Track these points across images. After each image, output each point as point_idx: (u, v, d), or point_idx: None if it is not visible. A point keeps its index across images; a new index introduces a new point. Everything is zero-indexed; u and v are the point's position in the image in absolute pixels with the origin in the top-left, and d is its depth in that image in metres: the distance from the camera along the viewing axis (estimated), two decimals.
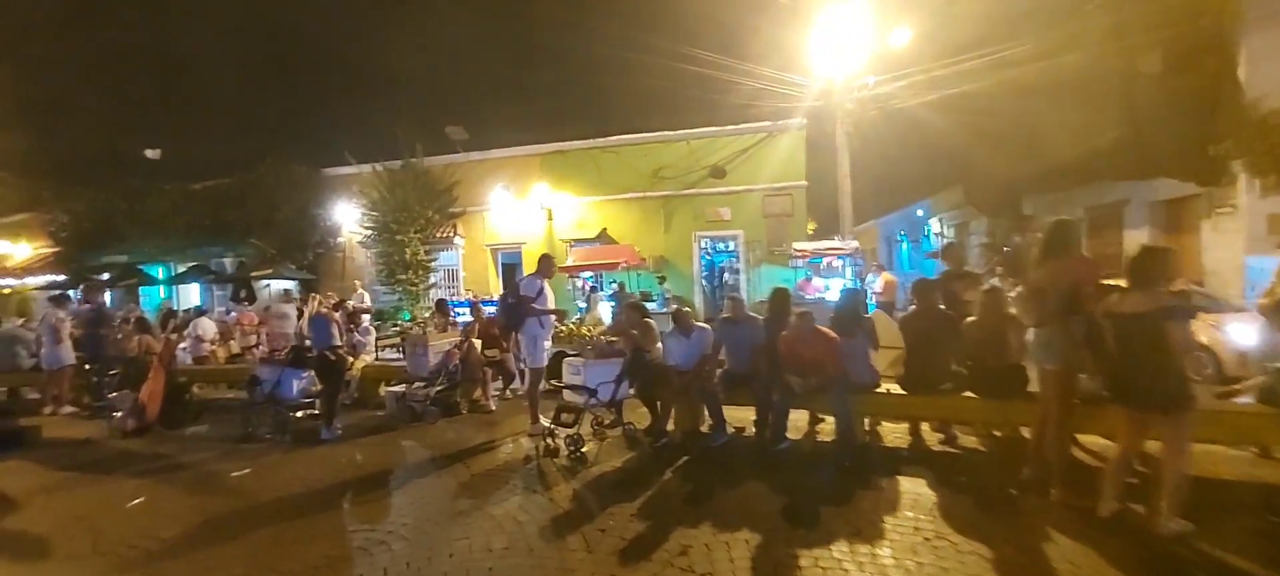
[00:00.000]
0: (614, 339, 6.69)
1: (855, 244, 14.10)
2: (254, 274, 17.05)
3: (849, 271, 15.01)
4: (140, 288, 20.50)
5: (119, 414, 7.36)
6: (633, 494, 4.79)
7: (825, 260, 15.06)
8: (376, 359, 9.58)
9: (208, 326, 11.00)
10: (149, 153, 19.40)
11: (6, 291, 19.46)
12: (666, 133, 15.83)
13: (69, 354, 8.92)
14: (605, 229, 16.08)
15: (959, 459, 5.56)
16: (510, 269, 18.00)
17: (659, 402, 6.37)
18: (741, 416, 6.43)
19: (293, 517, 4.56)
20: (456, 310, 12.87)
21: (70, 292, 12.86)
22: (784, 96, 14.35)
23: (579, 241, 16.27)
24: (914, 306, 6.01)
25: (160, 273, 20.34)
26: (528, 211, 16.85)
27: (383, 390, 8.71)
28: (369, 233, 17.04)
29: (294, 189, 17.91)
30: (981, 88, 14.05)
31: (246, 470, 5.73)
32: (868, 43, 13.44)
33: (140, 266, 19.88)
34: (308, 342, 6.94)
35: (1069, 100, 13.75)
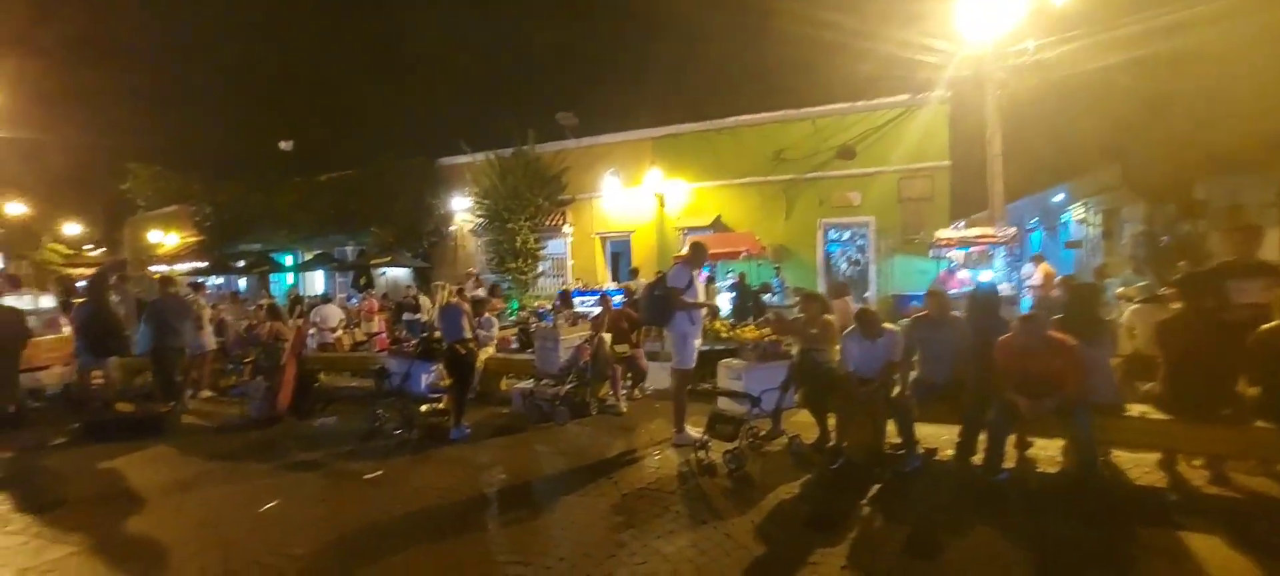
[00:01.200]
0: (779, 338, 5.75)
1: (1013, 231, 12.35)
2: (373, 261, 17.43)
3: (1000, 263, 13.25)
4: (271, 275, 21.73)
5: (252, 401, 7.24)
6: (831, 535, 3.84)
7: (974, 249, 13.36)
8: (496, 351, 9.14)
9: (333, 313, 11.05)
10: (283, 145, 20.36)
11: (157, 276, 21.10)
12: (789, 111, 14.61)
13: (209, 339, 9.06)
14: (720, 216, 15.12)
15: (1250, 507, 4.22)
16: (617, 257, 17.45)
17: (831, 415, 5.40)
18: (930, 435, 5.33)
19: (431, 538, 3.97)
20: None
21: (204, 280, 13.34)
22: (924, 65, 12.76)
23: (692, 229, 15.38)
24: (1178, 306, 4.68)
25: (289, 260, 21.45)
26: (638, 198, 16.17)
27: (506, 385, 8.24)
28: (480, 221, 16.98)
29: (410, 179, 18.18)
30: (1158, 51, 11.90)
31: (378, 472, 5.28)
32: (1023, 2, 11.64)
33: (272, 254, 21.03)
34: (437, 334, 6.48)
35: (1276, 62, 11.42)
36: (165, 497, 4.89)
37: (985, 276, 11.86)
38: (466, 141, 17.06)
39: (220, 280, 23.59)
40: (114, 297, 9.96)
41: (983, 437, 4.69)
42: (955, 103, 13.52)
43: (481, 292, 11.80)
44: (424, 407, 6.73)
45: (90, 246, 32.27)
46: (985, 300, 5.00)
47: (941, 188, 13.82)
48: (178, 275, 21.22)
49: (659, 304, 5.58)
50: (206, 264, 21.30)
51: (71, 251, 30.81)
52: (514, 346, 8.81)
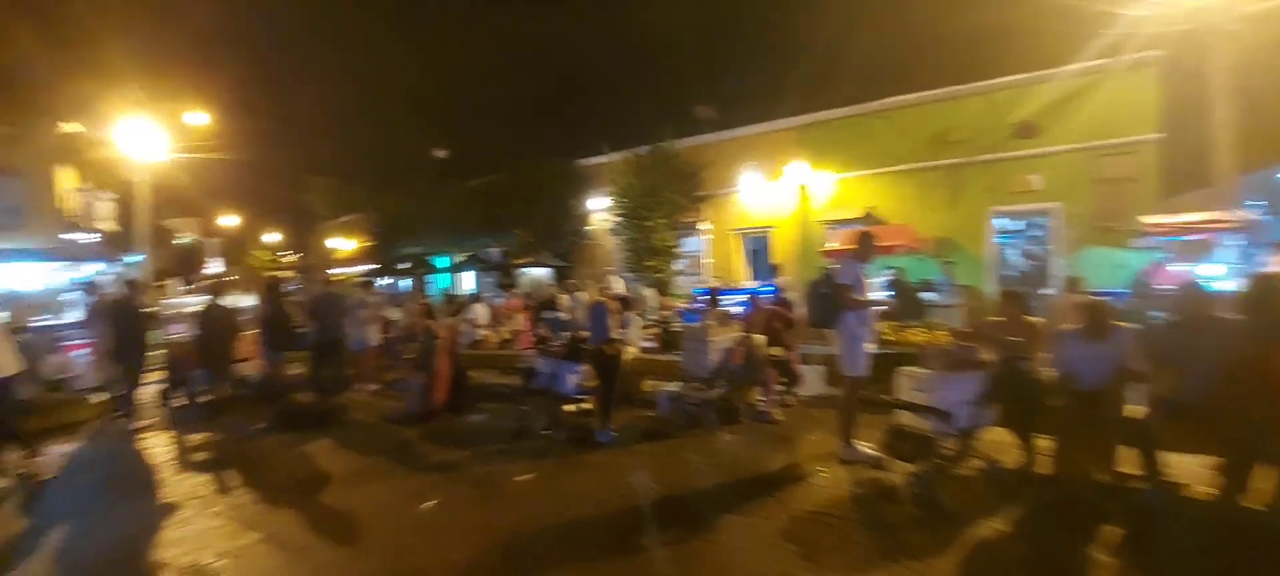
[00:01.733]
0: (971, 343, 4.91)
1: (1252, 215, 10.15)
2: (517, 261, 18.12)
3: (1231, 253, 10.96)
4: (427, 276, 23.46)
5: (409, 396, 7.54)
6: None
7: (1192, 238, 11.16)
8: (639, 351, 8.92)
9: (482, 312, 11.47)
10: (437, 153, 21.81)
11: (323, 275, 23.52)
12: (956, 87, 13.10)
13: (372, 335, 9.70)
14: (872, 209, 13.93)
15: None
16: (756, 254, 16.77)
17: (1039, 435, 4.51)
18: (1173, 465, 4.26)
19: (589, 552, 3.72)
20: (700, 298, 12.05)
21: (374, 280, 14.43)
22: (1127, 19, 10.80)
23: (839, 222, 14.35)
24: None
25: (444, 262, 23.03)
26: (779, 191, 15.38)
27: (649, 386, 7.97)
28: (618, 220, 17.07)
29: (551, 181, 18.71)
30: None
31: (529, 476, 5.17)
32: None
33: (429, 257, 22.68)
34: (584, 334, 6.32)
35: None
36: (335, 491, 5.10)
37: (1210, 270, 9.85)
38: (606, 140, 17.21)
39: (386, 281, 25.92)
40: (299, 298, 11.02)
41: (1257, 473, 3.63)
42: (1168, 63, 11.40)
43: (631, 293, 11.79)
44: (569, 407, 6.62)
45: (285, 252, 36.90)
46: (1268, 295, 3.87)
47: (1148, 166, 11.70)
48: (348, 276, 23.73)
49: (825, 303, 4.98)
50: (376, 266, 23.43)
51: (271, 256, 35.43)
52: (649, 345, 8.54)
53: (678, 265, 16.72)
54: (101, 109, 16.23)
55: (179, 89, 16.09)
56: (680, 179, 16.31)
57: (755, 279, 15.61)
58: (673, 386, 6.81)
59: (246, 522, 4.45)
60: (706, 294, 8.93)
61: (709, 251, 16.95)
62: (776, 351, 6.86)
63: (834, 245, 12.88)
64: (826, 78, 17.73)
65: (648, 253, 16.20)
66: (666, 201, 16.03)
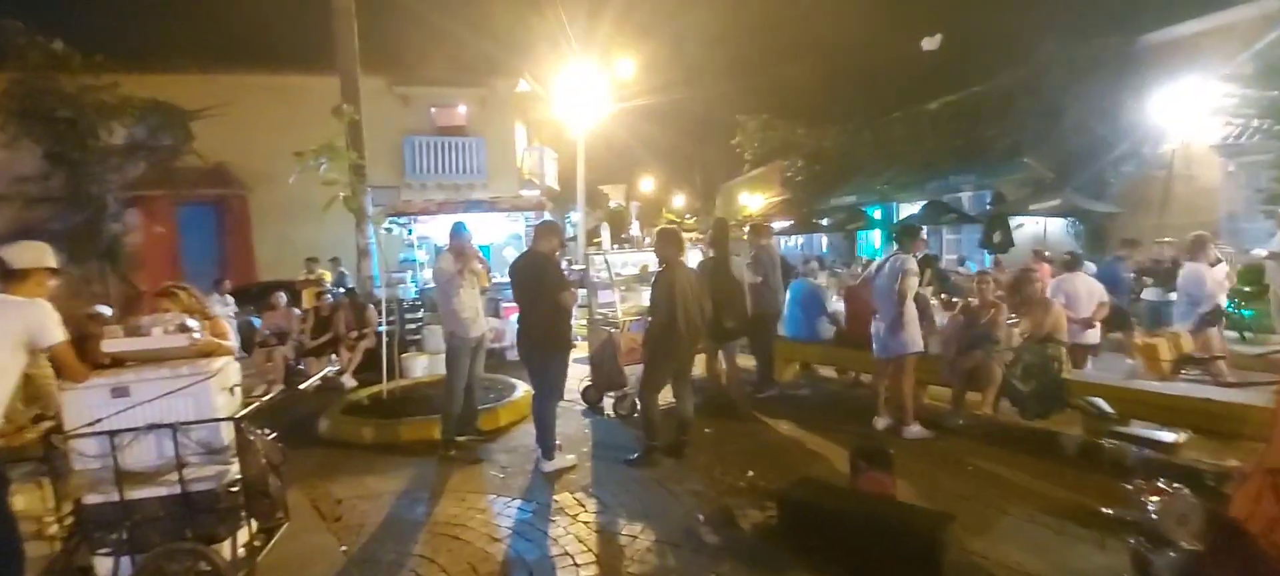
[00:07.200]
0: None
1: None
2: (1033, 207, 11.76)
3: None
4: (857, 232, 18.68)
5: (1154, 502, 2.68)
6: None
7: None
8: None
9: (1085, 288, 6.01)
10: (926, 42, 16.56)
11: (749, 223, 20.46)
12: None
13: (913, 334, 5.14)
14: None
15: None
16: None
17: None
18: None
19: None
20: None
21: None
22: None
23: None
24: None
25: (880, 215, 17.88)
26: None
27: None
28: (1254, 124, 9.42)
29: (1085, 77, 11.73)
30: None
31: None
32: None
33: (864, 208, 17.82)
34: None
35: None
36: None
37: None
38: None
39: (800, 240, 22.15)
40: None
41: None
42: None
43: None
44: None
45: (691, 215, 36.94)
46: None
47: None
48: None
49: None
50: (791, 222, 19.72)
51: (678, 219, 35.66)
52: None
53: None
54: (544, 66, 16.05)
55: (609, 38, 14.64)
56: None
57: None
58: None
59: None
60: None
61: None
62: None
63: None
64: None
65: None
66: None
